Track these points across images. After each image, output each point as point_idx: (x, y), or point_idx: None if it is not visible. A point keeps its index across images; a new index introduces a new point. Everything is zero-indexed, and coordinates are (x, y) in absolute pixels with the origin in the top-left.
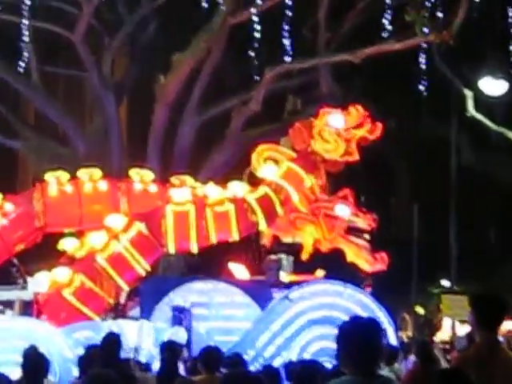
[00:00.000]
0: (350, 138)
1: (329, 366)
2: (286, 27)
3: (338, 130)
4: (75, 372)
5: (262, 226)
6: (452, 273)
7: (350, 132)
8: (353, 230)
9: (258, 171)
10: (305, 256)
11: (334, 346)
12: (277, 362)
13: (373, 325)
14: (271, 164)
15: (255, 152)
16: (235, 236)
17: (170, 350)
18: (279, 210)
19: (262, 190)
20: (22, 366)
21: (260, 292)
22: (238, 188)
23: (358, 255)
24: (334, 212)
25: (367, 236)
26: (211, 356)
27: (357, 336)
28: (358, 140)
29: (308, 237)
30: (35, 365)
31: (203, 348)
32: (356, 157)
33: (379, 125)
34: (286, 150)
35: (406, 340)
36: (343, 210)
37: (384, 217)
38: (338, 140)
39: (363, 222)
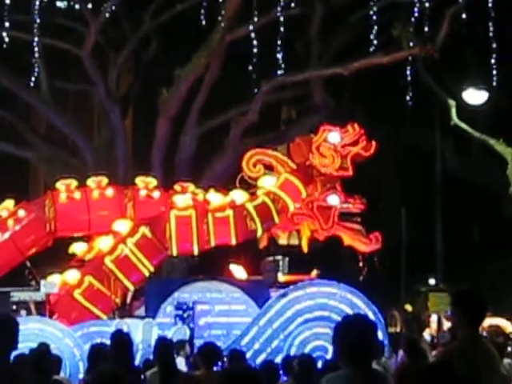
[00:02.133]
0: (345, 154)
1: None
2: (280, 42)
3: (335, 145)
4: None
5: (260, 232)
6: (438, 272)
7: (346, 148)
8: (345, 216)
9: (251, 177)
10: (304, 248)
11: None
12: (268, 351)
13: (369, 323)
14: (270, 175)
15: (245, 158)
16: (233, 241)
17: (162, 346)
18: (276, 218)
19: (261, 198)
20: (35, 363)
21: (258, 291)
22: (238, 195)
23: (355, 238)
24: (327, 202)
25: (359, 219)
26: (209, 352)
27: (353, 332)
28: (352, 156)
29: (306, 230)
30: (46, 363)
31: (202, 344)
32: (350, 172)
33: (373, 143)
34: (274, 152)
35: (395, 336)
36: (334, 200)
37: (373, 221)
38: (335, 155)
39: (354, 206)
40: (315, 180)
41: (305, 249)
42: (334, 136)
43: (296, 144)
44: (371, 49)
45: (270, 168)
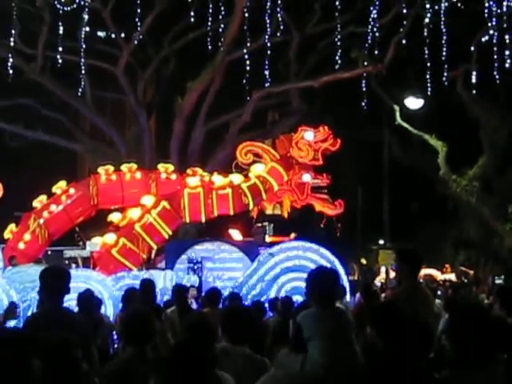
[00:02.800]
0: (317, 148)
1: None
2: (267, 62)
3: (310, 142)
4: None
5: (251, 206)
6: (386, 234)
7: (318, 144)
8: (316, 189)
9: (243, 163)
10: (285, 214)
11: (303, 286)
12: (262, 298)
13: (333, 272)
14: (260, 163)
15: (238, 148)
16: (231, 212)
17: (178, 290)
18: (264, 195)
19: (253, 180)
20: (81, 304)
21: (250, 249)
22: (236, 178)
23: (324, 205)
24: (302, 179)
25: (326, 191)
26: (213, 294)
27: (321, 279)
28: (323, 150)
29: (286, 201)
30: (90, 302)
31: (208, 289)
32: (321, 162)
33: (338, 140)
34: (261, 144)
35: (353, 282)
36: (307, 177)
37: (337, 196)
38: (309, 149)
39: (322, 181)
40: (294, 167)
41: (284, 215)
42: (308, 134)
43: (280, 140)
44: (336, 67)
45: (258, 156)
